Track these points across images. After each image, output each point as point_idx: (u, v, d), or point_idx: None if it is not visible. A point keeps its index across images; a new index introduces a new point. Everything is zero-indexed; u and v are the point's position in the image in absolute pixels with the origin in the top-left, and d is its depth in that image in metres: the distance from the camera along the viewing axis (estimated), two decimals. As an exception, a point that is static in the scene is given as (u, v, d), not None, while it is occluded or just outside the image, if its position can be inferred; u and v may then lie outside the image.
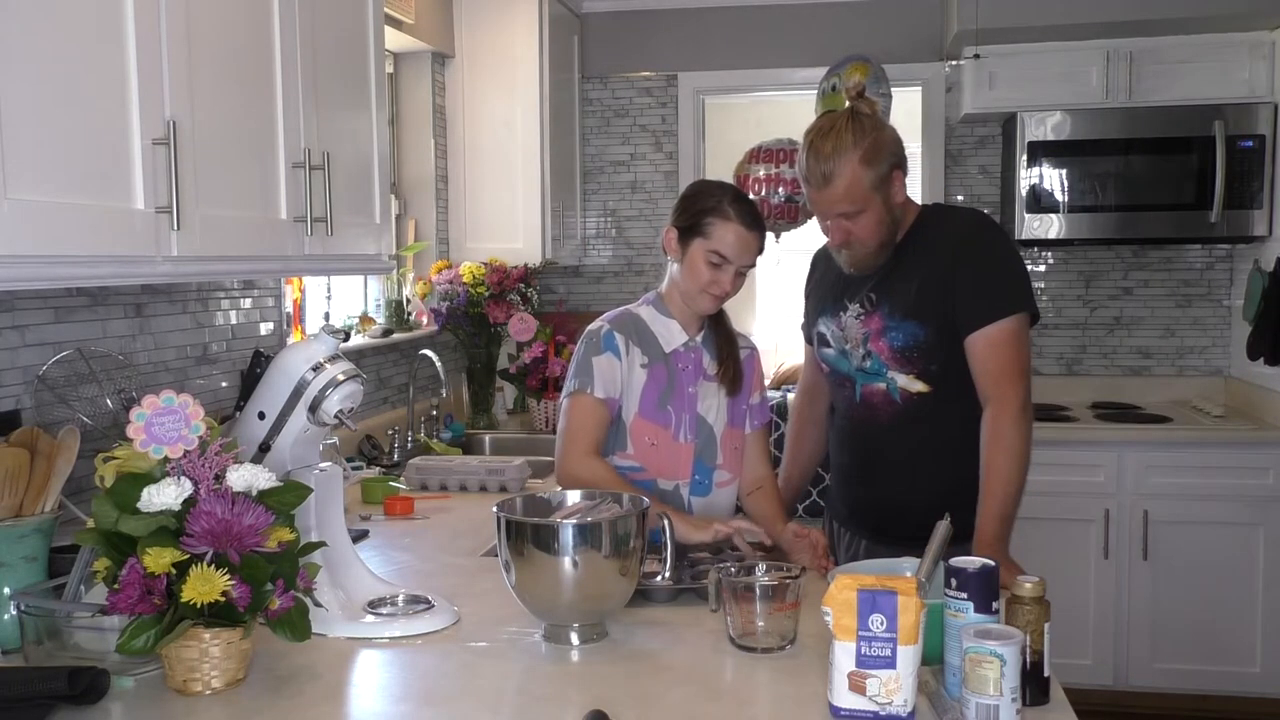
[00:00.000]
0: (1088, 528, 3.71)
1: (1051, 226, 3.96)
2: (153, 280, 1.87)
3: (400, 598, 1.79)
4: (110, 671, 1.45)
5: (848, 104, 2.12)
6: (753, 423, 2.23)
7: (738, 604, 1.60)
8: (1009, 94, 3.94)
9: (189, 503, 1.44)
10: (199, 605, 1.38)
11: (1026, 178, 3.95)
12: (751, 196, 2.71)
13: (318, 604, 1.58)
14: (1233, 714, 3.67)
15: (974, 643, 1.28)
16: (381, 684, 1.55)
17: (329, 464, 1.80)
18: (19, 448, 1.65)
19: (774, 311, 5.45)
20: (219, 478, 1.48)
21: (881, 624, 1.33)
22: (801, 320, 2.41)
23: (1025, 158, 3.93)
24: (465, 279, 3.83)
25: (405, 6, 3.50)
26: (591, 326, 2.15)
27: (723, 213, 2.05)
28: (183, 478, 1.46)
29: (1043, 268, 4.35)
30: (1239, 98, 3.81)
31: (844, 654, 1.35)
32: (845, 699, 1.35)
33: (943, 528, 1.65)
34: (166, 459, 1.47)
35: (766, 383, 2.44)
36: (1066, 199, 3.93)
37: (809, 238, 4.25)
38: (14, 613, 1.56)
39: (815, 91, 4.01)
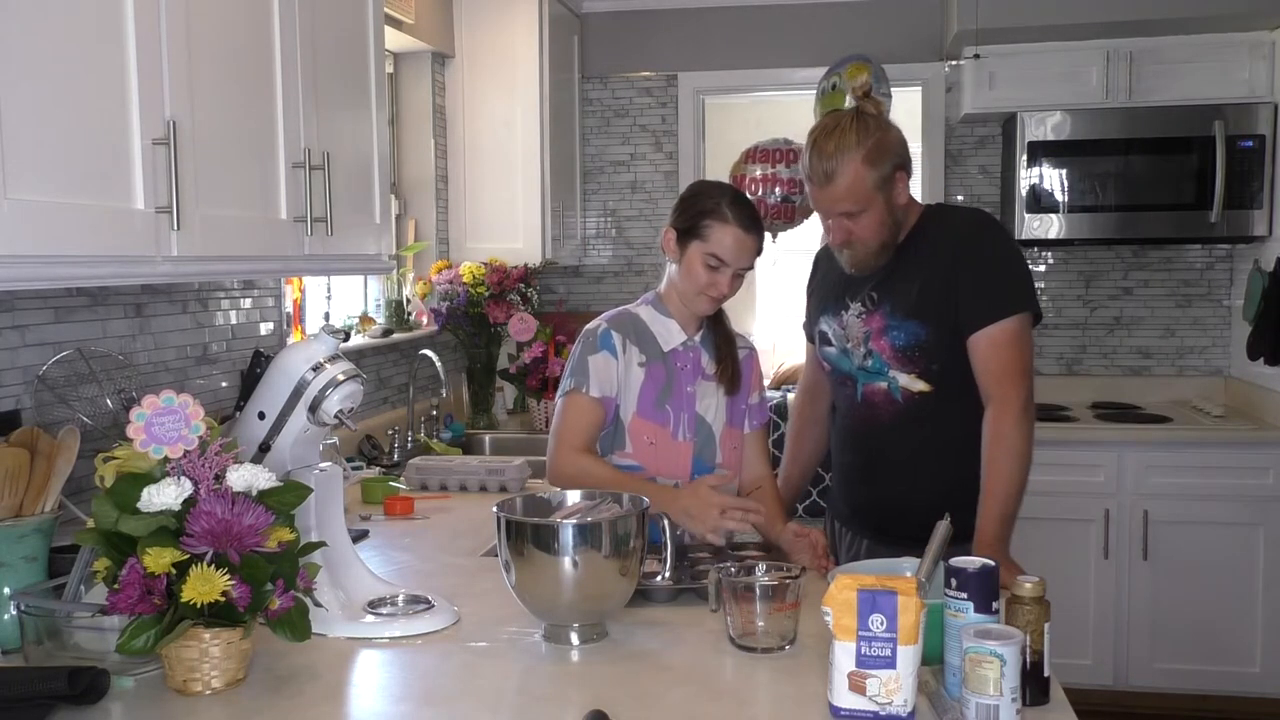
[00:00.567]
0: (1088, 528, 3.71)
1: (1051, 226, 3.96)
2: (153, 280, 1.87)
3: (400, 598, 1.79)
4: (110, 671, 1.45)
5: (852, 103, 2.12)
6: (751, 422, 2.23)
7: (738, 604, 1.60)
8: (1009, 94, 3.94)
9: (189, 503, 1.44)
10: (199, 605, 1.38)
11: (1026, 178, 3.94)
12: (748, 196, 2.71)
13: (318, 604, 1.58)
14: (1233, 714, 3.67)
15: (974, 643, 1.28)
16: (381, 684, 1.55)
17: (329, 464, 1.80)
18: (19, 448, 1.65)
19: (773, 311, 5.45)
20: (219, 478, 1.48)
21: (881, 624, 1.33)
22: (803, 318, 2.41)
23: (1025, 158, 3.93)
24: (465, 279, 3.84)
25: (405, 6, 3.50)
26: (589, 326, 2.15)
27: (721, 215, 2.04)
28: (183, 478, 1.46)
29: (1043, 268, 4.35)
30: (1239, 98, 3.81)
31: (844, 654, 1.35)
32: (845, 699, 1.35)
33: (943, 528, 1.65)
34: (166, 459, 1.47)
35: (766, 383, 2.44)
36: (1066, 199, 3.93)
37: (806, 238, 4.28)
38: (14, 613, 1.56)
39: (815, 91, 4.01)
